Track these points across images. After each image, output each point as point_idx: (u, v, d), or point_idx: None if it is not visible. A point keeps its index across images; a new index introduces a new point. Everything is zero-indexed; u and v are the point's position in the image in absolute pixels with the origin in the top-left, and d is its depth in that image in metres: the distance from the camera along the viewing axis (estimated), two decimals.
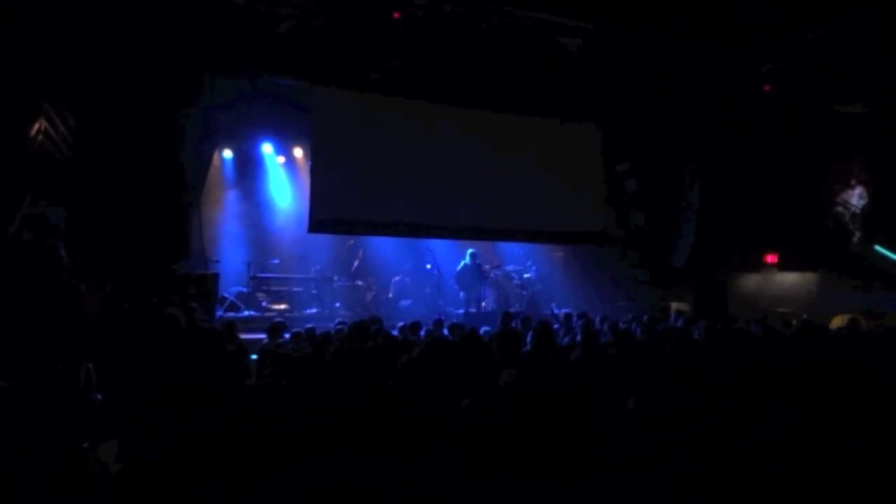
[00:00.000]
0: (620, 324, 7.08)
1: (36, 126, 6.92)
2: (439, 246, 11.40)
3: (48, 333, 3.41)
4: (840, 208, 11.07)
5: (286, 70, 8.70)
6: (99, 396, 3.55)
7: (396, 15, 7.51)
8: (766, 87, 9.64)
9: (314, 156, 9.48)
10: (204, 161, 9.82)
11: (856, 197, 10.93)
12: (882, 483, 3.00)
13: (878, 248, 10.69)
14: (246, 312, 10.05)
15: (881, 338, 6.25)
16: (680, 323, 7.01)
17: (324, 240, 11.64)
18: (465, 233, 10.41)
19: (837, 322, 8.29)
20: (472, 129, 10.01)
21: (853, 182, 11.01)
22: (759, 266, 11.38)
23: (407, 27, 7.76)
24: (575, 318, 7.58)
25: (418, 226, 10.02)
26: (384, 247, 11.94)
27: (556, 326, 7.12)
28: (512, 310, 10.15)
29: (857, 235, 11.01)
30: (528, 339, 5.47)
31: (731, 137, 10.50)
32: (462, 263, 10.64)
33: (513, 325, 7.06)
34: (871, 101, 9.95)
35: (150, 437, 2.59)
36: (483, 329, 6.31)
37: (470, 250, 10.72)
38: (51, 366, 3.27)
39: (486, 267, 10.92)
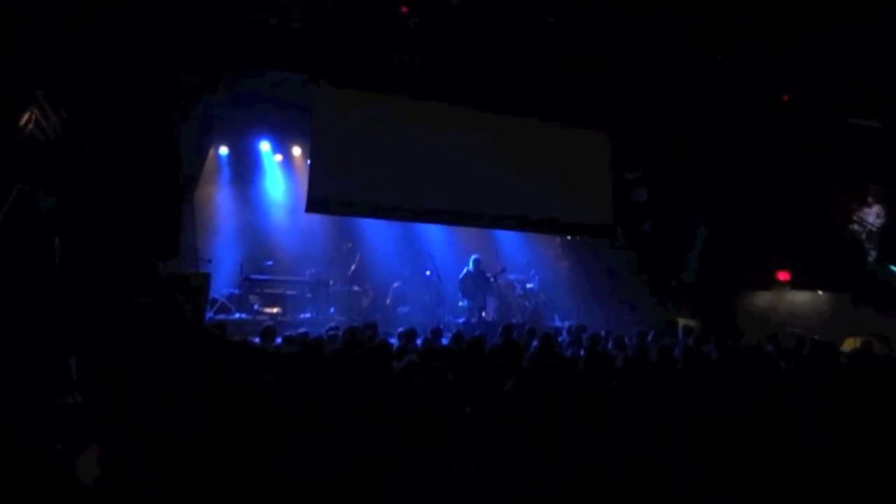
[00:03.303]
0: (626, 339, 7.03)
1: (27, 115, 6.88)
2: (440, 253, 11.37)
3: (34, 325, 3.34)
4: (856, 226, 11.03)
5: (291, 66, 8.71)
6: (79, 396, 3.47)
7: (405, 9, 7.51)
8: (785, 98, 9.63)
9: (315, 138, 9.48)
10: (199, 157, 9.79)
11: (873, 215, 10.89)
12: None
13: (893, 268, 10.63)
14: (237, 315, 9.97)
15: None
16: (690, 341, 6.94)
17: (320, 242, 11.62)
18: (465, 218, 10.42)
19: (850, 344, 8.22)
20: (477, 126, 10.09)
21: (870, 200, 10.98)
22: (771, 283, 11.31)
23: (415, 22, 7.76)
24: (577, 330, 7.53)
25: (418, 210, 10.03)
26: (383, 251, 11.90)
27: (560, 338, 7.08)
28: (514, 321, 10.11)
29: (872, 255, 10.96)
30: (533, 349, 5.41)
31: (746, 149, 10.47)
32: (465, 270, 10.61)
33: (515, 335, 7.01)
34: (890, 116, 9.93)
35: (142, 440, 2.52)
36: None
37: (473, 256, 10.68)
38: (35, 360, 3.21)
39: (489, 274, 10.88)
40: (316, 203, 9.39)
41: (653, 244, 11.27)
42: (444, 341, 6.96)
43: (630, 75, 9.25)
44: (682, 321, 10.03)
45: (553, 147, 10.51)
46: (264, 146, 11.61)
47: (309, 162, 9.90)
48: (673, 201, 11.21)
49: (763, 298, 11.41)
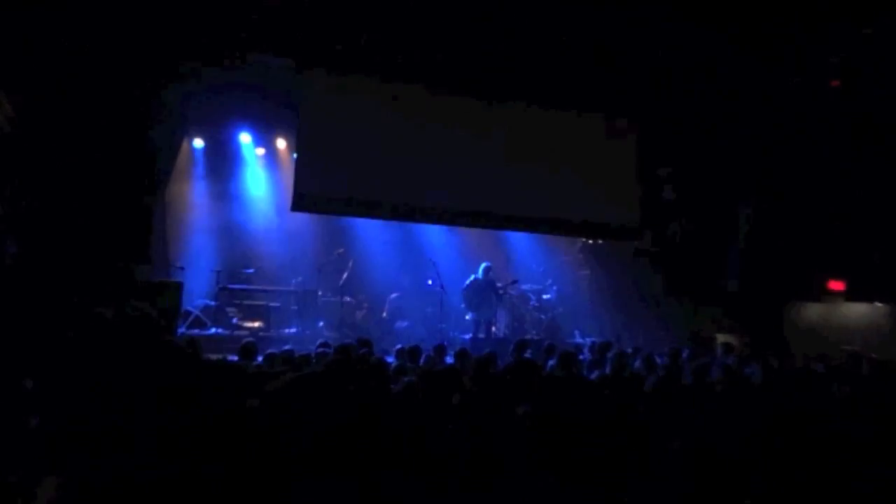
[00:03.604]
0: (657, 357, 7.02)
1: None
2: (444, 260, 11.37)
3: None
4: None
5: (273, 49, 8.76)
6: (36, 421, 3.48)
7: None
8: (835, 83, 9.61)
9: (302, 128, 9.50)
10: (171, 151, 9.83)
11: None
12: None
13: None
14: (213, 330, 10.00)
15: None
16: (730, 360, 6.93)
17: (307, 247, 11.65)
18: (471, 218, 10.47)
19: None
20: (486, 117, 10.12)
21: None
22: (822, 294, 11.27)
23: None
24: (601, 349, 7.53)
25: (419, 209, 10.07)
26: (379, 257, 11.91)
27: (581, 357, 7.07)
28: (528, 336, 10.10)
29: None
30: (549, 369, 5.42)
31: (791, 141, 10.45)
32: (472, 277, 10.61)
33: (529, 353, 7.02)
34: None
35: (106, 472, 2.53)
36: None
37: (483, 264, 10.69)
38: None
39: (500, 284, 10.89)
40: (303, 200, 9.41)
41: (686, 249, 11.25)
42: (450, 360, 6.96)
43: (659, 59, 9.23)
44: (720, 337, 10.01)
45: (572, 139, 10.51)
46: (244, 138, 11.62)
47: (295, 156, 9.94)
48: (709, 201, 11.19)
49: (813, 311, 11.37)
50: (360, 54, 9.01)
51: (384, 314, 11.36)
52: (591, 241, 13.08)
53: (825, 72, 9.58)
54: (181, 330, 9.15)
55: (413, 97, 9.79)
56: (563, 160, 10.41)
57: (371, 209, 10.05)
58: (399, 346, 7.10)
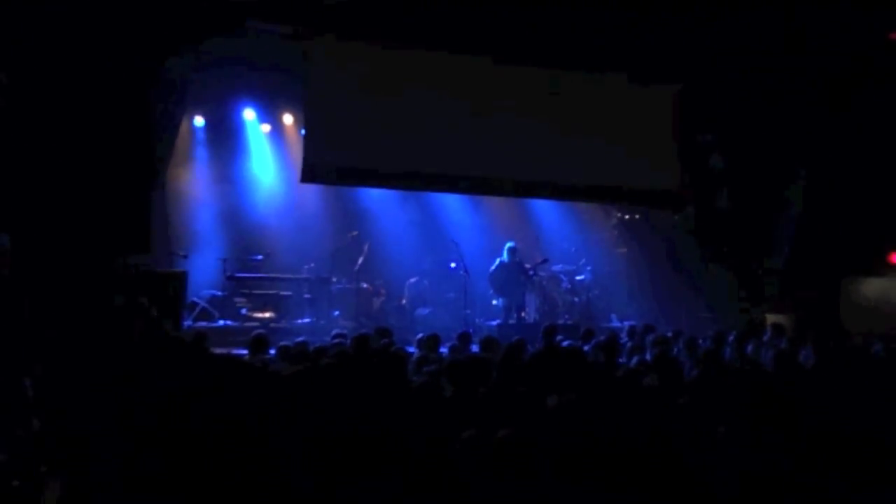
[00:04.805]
0: (700, 341, 7.01)
1: None
2: (467, 240, 11.38)
3: None
4: None
5: (278, 16, 8.77)
6: (38, 424, 3.57)
7: None
8: (894, 36, 9.40)
9: (310, 97, 9.57)
10: (171, 130, 9.88)
11: None
12: None
13: None
14: (221, 322, 10.19)
15: None
16: (782, 343, 6.88)
17: (319, 230, 11.70)
18: (492, 185, 10.54)
19: None
20: (505, 81, 10.09)
21: None
22: (883, 268, 11.13)
23: None
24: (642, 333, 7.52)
25: (436, 177, 10.13)
26: (397, 240, 11.97)
27: (621, 342, 7.09)
28: (560, 322, 10.11)
29: None
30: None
31: (849, 102, 10.26)
32: (498, 261, 10.64)
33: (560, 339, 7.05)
34: None
35: (107, 475, 2.60)
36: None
37: (508, 244, 10.69)
38: None
39: (529, 265, 10.90)
40: (313, 171, 9.51)
41: (732, 221, 11.13)
42: (475, 348, 7.01)
43: (701, 13, 9.06)
44: (770, 318, 9.93)
45: (602, 102, 10.43)
46: (248, 115, 11.68)
47: (303, 131, 9.98)
48: (756, 168, 11.04)
49: (872, 287, 11.22)
50: (370, 17, 8.96)
51: (403, 301, 11.44)
52: (627, 217, 13.00)
53: (884, 23, 9.36)
54: (187, 323, 9.32)
55: (433, 63, 9.76)
56: (597, 123, 10.34)
57: (386, 180, 10.12)
58: (421, 334, 7.17)
